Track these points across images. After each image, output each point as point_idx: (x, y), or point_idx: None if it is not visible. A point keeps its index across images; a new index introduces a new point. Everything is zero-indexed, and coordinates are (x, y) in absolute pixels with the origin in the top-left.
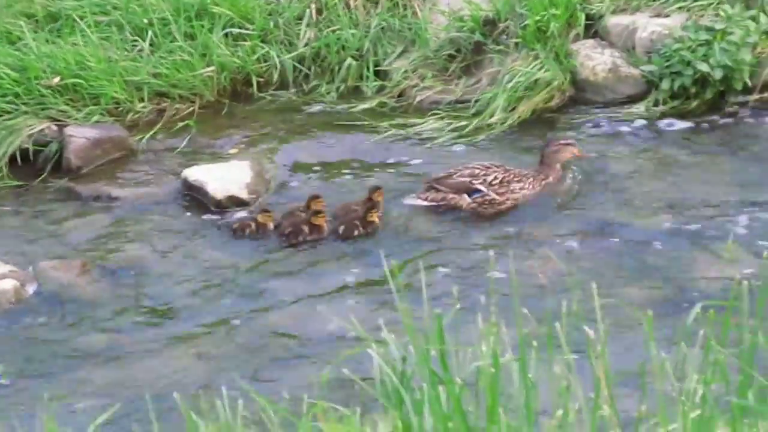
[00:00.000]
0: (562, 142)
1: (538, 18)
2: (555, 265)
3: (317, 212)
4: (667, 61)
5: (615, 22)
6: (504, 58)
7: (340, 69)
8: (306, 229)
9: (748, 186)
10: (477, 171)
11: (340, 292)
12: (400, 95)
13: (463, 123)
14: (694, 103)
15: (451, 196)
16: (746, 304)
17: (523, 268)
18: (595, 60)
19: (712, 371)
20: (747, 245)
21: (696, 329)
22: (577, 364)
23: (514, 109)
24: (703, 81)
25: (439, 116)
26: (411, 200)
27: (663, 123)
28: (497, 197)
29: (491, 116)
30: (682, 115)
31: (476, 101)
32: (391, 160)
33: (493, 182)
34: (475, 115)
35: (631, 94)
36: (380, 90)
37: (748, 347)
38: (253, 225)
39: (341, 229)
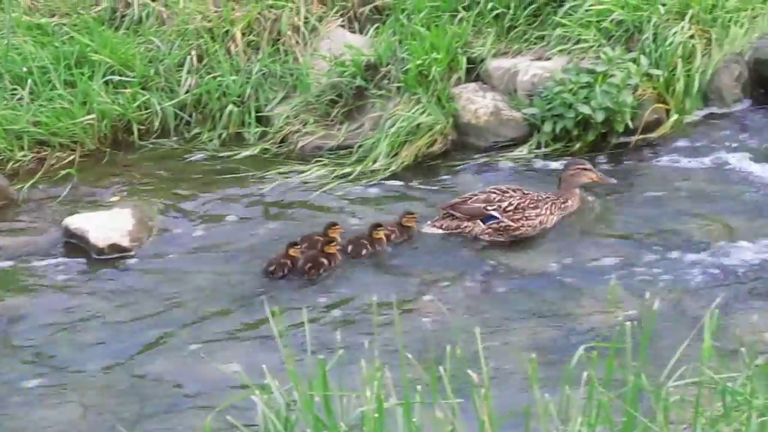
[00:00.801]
0: (579, 166)
1: (419, 62)
2: (439, 309)
3: (329, 241)
4: (549, 103)
5: (496, 65)
6: (386, 103)
7: (221, 116)
8: (325, 261)
9: (629, 227)
10: (493, 196)
11: (226, 336)
12: (282, 141)
13: (347, 170)
14: (577, 145)
15: (465, 224)
16: (629, 345)
17: (409, 311)
18: (477, 103)
19: (596, 413)
20: (629, 286)
21: (581, 371)
22: (462, 408)
23: (396, 154)
24: (585, 123)
25: (322, 163)
26: (427, 228)
27: (546, 165)
28: (512, 224)
29: (374, 162)
30: (564, 157)
31: (359, 147)
32: (275, 208)
33: (508, 208)
34: (358, 161)
35: (513, 137)
36: (262, 136)
37: (632, 389)
38: (290, 262)
39: (350, 248)
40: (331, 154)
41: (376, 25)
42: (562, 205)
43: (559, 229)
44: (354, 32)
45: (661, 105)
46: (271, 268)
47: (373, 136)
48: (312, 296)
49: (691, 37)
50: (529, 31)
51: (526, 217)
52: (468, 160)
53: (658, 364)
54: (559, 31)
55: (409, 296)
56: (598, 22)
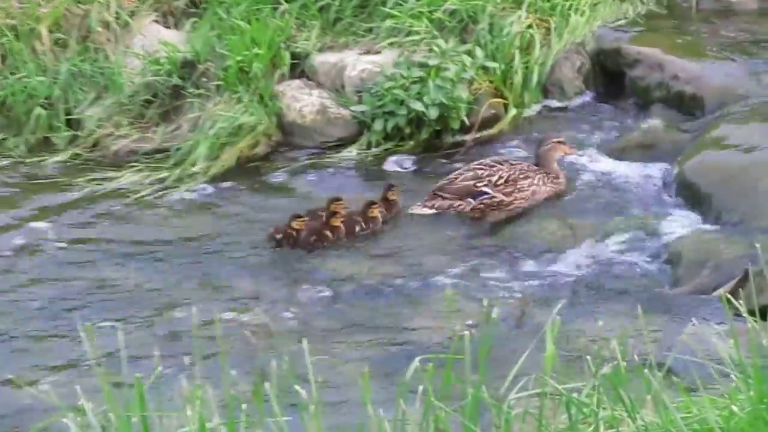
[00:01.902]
0: (554, 139)
1: (239, 58)
2: (267, 322)
3: (334, 213)
4: (379, 100)
5: (322, 60)
6: (205, 103)
7: (28, 119)
8: (329, 233)
9: (466, 230)
10: (480, 172)
11: (43, 358)
12: (94, 146)
13: (164, 174)
14: (410, 144)
15: (457, 203)
16: (468, 356)
17: (232, 325)
18: (303, 102)
19: (434, 428)
20: (468, 294)
21: (417, 384)
22: (291, 425)
23: (217, 156)
24: (418, 120)
25: (137, 168)
26: (416, 209)
27: (377, 165)
28: (504, 198)
29: (193, 165)
30: (397, 157)
31: (177, 150)
32: (85, 217)
33: (498, 182)
34: (176, 164)
35: (342, 137)
36: (73, 141)
37: (471, 402)
38: (294, 233)
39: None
40: (147, 158)
41: (193, 20)
42: (555, 180)
43: (393, 235)
44: (169, 28)
45: (498, 99)
46: (279, 236)
47: (192, 138)
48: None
49: (529, 26)
50: (356, 23)
51: (518, 189)
52: (293, 161)
53: (500, 376)
54: (388, 22)
55: (238, 307)
56: (430, 12)
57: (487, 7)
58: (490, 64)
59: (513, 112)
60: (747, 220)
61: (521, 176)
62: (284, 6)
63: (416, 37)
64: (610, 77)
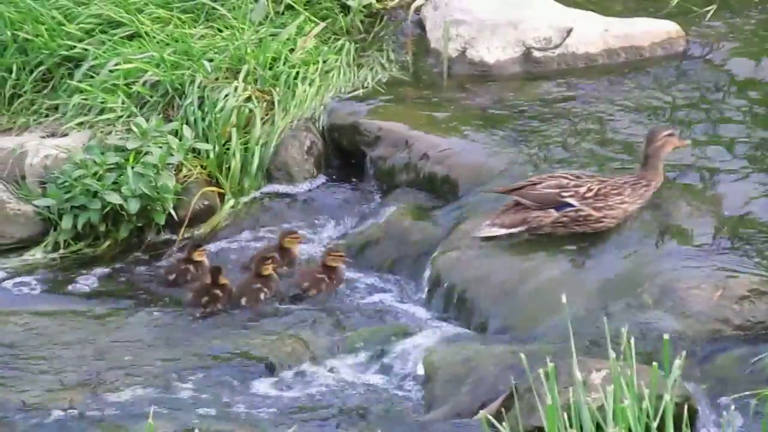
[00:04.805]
0: (665, 133)
1: None
2: None
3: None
4: (67, 192)
5: None
6: None
7: None
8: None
9: (177, 343)
10: (565, 181)
11: None
12: None
13: None
14: (106, 244)
15: (535, 214)
16: None
17: None
18: None
19: None
20: (175, 421)
21: None
22: None
23: None
24: (115, 215)
25: None
26: (486, 230)
27: (66, 273)
28: (594, 213)
29: None
30: (90, 261)
31: None
32: None
33: (587, 195)
34: None
35: (24, 237)
36: None
37: None
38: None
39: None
40: None
41: None
42: (644, 190)
43: (89, 359)
44: None
45: (212, 188)
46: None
47: None
48: None
49: (248, 99)
50: (38, 100)
51: (609, 206)
52: None
53: None
54: (76, 98)
55: None
56: (126, 85)
57: (197, 78)
58: (202, 146)
59: (231, 202)
60: (510, 326)
61: (612, 191)
62: None
63: (111, 116)
64: (347, 158)
